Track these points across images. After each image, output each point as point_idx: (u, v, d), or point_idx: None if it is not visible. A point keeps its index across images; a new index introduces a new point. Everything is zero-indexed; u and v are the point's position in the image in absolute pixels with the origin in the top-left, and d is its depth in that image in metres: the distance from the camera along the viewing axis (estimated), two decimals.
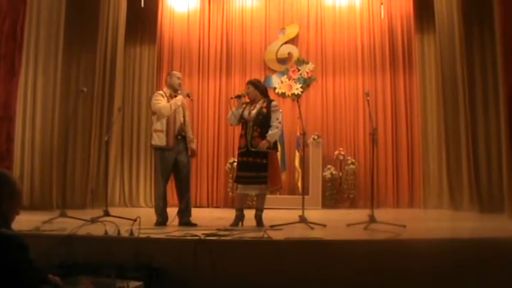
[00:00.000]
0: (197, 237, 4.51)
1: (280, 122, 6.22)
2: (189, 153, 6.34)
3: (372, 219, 5.77)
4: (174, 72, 6.90)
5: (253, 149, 6.04)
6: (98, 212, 6.72)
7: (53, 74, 8.47)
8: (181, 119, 6.27)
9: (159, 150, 6.20)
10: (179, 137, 6.21)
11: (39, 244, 3.90)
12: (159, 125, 6.17)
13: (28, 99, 8.34)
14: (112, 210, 6.46)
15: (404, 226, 5.59)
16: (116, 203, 10.04)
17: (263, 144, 6.03)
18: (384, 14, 10.93)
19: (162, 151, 6.16)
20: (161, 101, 6.19)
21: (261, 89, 6.40)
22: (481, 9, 8.05)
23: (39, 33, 8.42)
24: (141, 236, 4.57)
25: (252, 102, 6.26)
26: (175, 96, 6.26)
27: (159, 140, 6.15)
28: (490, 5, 7.56)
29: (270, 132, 6.10)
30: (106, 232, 4.72)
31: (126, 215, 5.91)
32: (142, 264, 4.13)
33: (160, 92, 6.39)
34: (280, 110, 6.38)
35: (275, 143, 6.30)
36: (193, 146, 6.48)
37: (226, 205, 10.53)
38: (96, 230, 4.92)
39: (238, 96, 6.32)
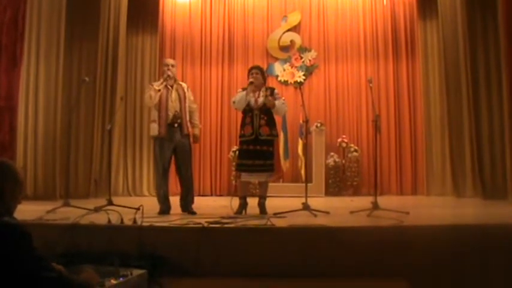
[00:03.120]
0: (200, 225, 4.52)
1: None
2: (191, 139, 6.34)
3: (375, 206, 5.80)
4: (165, 60, 6.99)
5: (261, 138, 6.05)
6: (101, 201, 6.75)
7: (55, 64, 8.45)
8: (177, 107, 6.23)
9: (156, 140, 6.23)
10: (175, 125, 6.19)
11: (43, 233, 3.93)
12: (153, 115, 6.27)
13: (30, 89, 8.32)
14: (115, 199, 6.47)
15: (407, 213, 5.60)
16: (119, 192, 10.03)
17: (270, 100, 6.09)
18: (386, 0, 10.86)
19: (160, 140, 6.18)
20: (147, 92, 6.31)
21: (265, 76, 6.43)
22: None
23: (40, 22, 8.39)
24: (144, 224, 4.58)
25: (255, 89, 6.21)
26: (167, 84, 6.28)
27: (152, 130, 6.23)
28: None
29: (280, 101, 6.18)
30: (109, 221, 4.74)
31: (130, 204, 5.90)
32: (146, 253, 4.15)
33: (154, 82, 6.50)
34: (283, 98, 6.44)
35: (276, 130, 6.30)
36: (196, 131, 6.44)
37: (230, 193, 10.52)
38: (100, 219, 4.94)
39: (252, 83, 6.23)
